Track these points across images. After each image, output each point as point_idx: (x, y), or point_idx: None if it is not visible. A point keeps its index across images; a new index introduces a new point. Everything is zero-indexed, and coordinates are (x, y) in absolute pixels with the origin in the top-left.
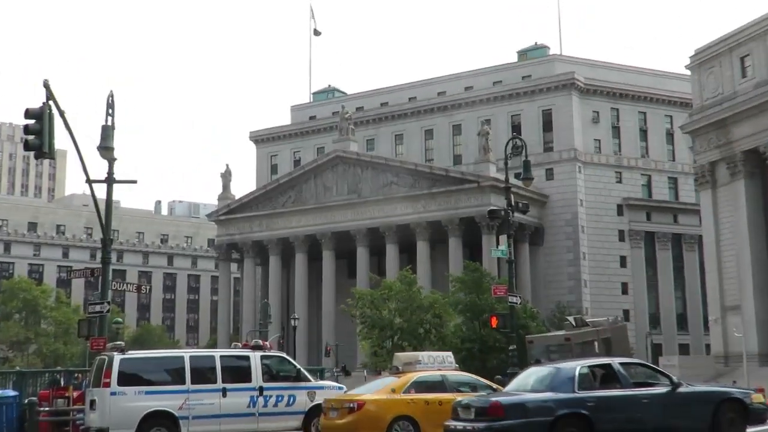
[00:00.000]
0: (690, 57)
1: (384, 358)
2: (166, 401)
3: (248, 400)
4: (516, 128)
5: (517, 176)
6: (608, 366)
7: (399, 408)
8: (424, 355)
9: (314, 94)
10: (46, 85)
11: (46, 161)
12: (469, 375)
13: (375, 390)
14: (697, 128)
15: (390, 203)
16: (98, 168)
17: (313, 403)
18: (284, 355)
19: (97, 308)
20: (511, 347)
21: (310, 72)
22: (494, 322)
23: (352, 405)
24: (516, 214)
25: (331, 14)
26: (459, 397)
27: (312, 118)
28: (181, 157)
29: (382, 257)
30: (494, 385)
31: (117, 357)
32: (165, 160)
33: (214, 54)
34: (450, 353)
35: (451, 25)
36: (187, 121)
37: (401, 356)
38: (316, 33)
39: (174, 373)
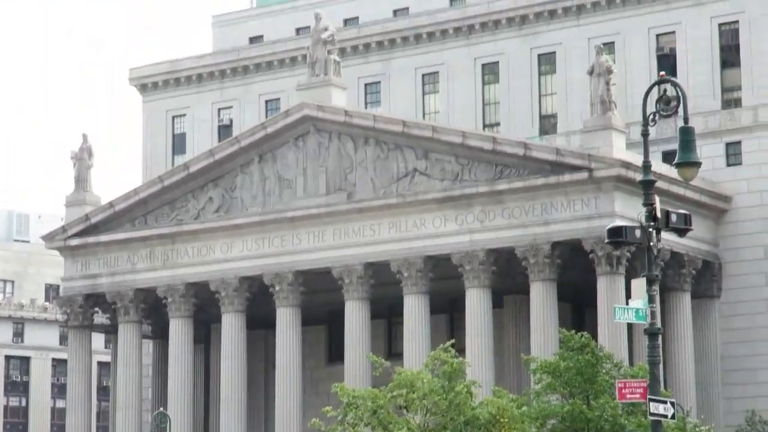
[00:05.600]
0: None
1: None
2: None
3: None
4: (665, 61)
5: (667, 159)
6: None
7: None
8: None
9: None
10: None
11: None
12: None
13: None
14: None
15: (412, 213)
16: None
17: None
18: None
19: None
20: None
21: None
22: None
23: None
24: (666, 236)
25: None
26: None
27: (255, 39)
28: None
29: (396, 319)
30: None
31: None
32: None
33: None
34: None
35: None
36: (20, 51)
37: None
38: None
39: None
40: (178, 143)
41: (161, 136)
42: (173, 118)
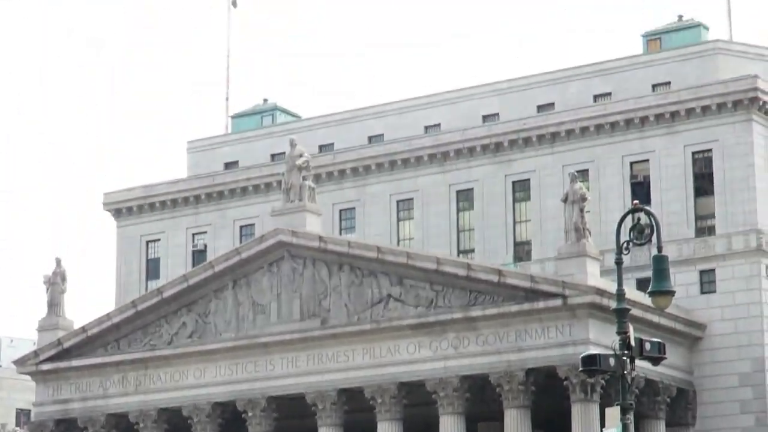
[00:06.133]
0: None
1: None
2: None
3: None
4: (638, 188)
5: (642, 286)
6: None
7: None
8: None
9: (236, 117)
10: None
11: None
12: None
13: None
14: None
15: (386, 339)
16: None
17: None
18: None
19: None
20: None
21: (227, 74)
22: None
23: None
24: (640, 364)
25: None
26: None
27: (230, 165)
28: None
29: None
30: None
31: None
32: None
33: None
34: None
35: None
36: None
37: None
38: (234, 4)
39: None
40: (152, 268)
41: (135, 261)
42: (147, 243)
